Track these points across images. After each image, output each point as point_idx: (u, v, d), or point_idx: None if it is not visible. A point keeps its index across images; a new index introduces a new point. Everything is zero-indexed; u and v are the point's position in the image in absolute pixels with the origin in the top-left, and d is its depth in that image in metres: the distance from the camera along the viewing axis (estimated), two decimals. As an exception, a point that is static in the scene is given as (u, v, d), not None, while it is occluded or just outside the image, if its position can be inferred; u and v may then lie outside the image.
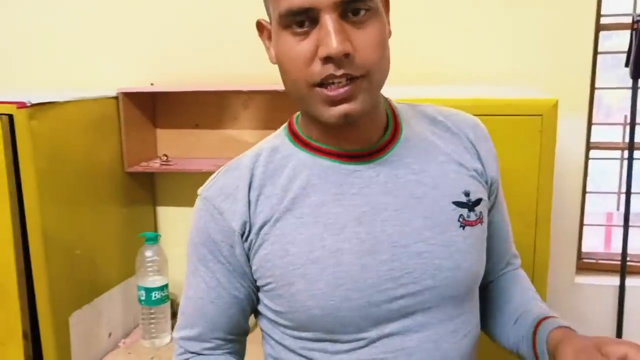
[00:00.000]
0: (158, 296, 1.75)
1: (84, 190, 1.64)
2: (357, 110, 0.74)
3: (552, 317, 0.86)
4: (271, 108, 1.92)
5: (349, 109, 0.74)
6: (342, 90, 0.72)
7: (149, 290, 1.74)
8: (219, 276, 0.85)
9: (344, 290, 0.78)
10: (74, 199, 1.60)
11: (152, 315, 1.76)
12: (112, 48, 2.00)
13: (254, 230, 0.82)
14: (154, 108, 1.98)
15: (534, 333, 0.85)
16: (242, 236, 0.82)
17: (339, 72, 0.71)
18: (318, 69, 0.72)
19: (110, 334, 1.76)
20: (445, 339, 0.82)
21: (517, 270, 1.02)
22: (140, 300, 1.76)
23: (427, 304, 0.81)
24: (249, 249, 0.83)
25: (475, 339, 0.89)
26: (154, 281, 1.75)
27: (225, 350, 0.91)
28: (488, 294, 1.00)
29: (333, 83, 0.72)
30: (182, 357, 0.91)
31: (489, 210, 0.92)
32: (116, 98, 1.79)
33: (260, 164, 0.84)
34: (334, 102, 0.74)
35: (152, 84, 1.97)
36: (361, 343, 0.80)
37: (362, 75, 0.73)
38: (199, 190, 0.88)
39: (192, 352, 0.90)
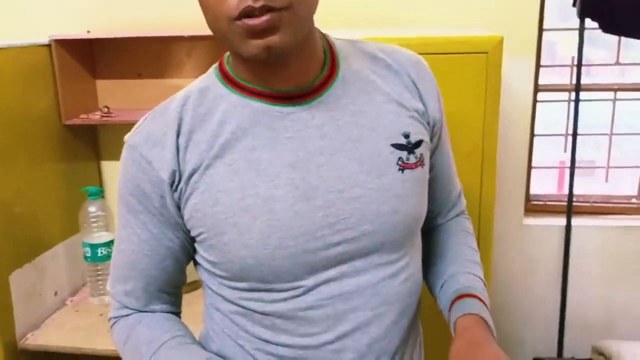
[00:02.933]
0: (104, 252, 1.70)
1: (19, 144, 1.56)
2: (279, 42, 0.69)
3: (468, 295, 0.84)
4: (217, 55, 1.79)
5: (270, 42, 0.69)
6: (262, 18, 0.68)
7: (94, 247, 1.69)
8: (150, 227, 0.81)
9: (277, 239, 0.75)
10: (8, 153, 1.52)
11: (99, 272, 1.71)
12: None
13: (183, 179, 0.77)
14: (91, 57, 1.88)
15: (450, 309, 0.85)
16: (171, 186, 0.78)
17: (258, 4, 0.67)
18: (235, 1, 0.67)
19: (56, 293, 1.71)
20: (384, 283, 0.80)
21: (459, 217, 0.99)
22: (85, 257, 1.71)
23: (365, 249, 0.79)
24: (179, 199, 0.79)
25: (418, 283, 0.88)
26: (100, 237, 1.70)
27: (161, 304, 0.88)
28: (428, 242, 0.97)
29: (255, 15, 0.68)
30: (119, 313, 0.88)
31: (432, 152, 0.89)
32: (49, 46, 1.69)
33: (189, 108, 0.79)
34: (255, 33, 0.69)
35: (88, 31, 1.86)
36: (298, 292, 0.78)
37: (284, 7, 0.68)
38: (125, 137, 0.82)
39: (130, 309, 0.87)
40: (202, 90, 0.81)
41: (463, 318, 0.81)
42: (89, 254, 1.70)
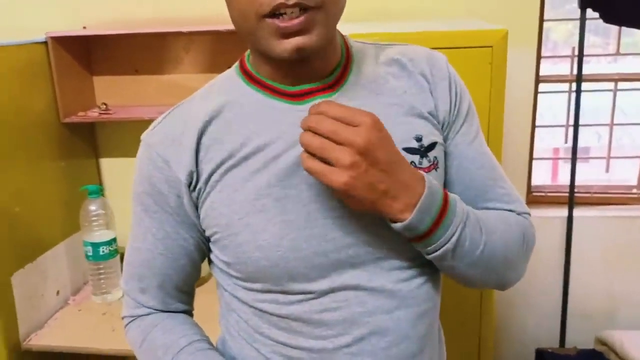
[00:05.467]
0: (106, 251, 1.68)
1: (17, 144, 1.54)
2: (311, 44, 0.68)
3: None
4: (214, 50, 1.83)
5: (302, 42, 0.68)
6: (296, 21, 0.66)
7: (95, 246, 1.68)
8: (166, 227, 0.81)
9: (290, 241, 0.75)
10: (6, 153, 1.50)
11: (101, 271, 1.70)
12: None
13: (202, 179, 0.77)
14: (88, 54, 1.86)
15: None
16: (189, 186, 0.77)
17: (291, 1, 0.65)
18: None
19: (58, 292, 1.70)
20: (400, 286, 0.79)
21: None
22: (87, 256, 1.69)
23: (378, 253, 0.77)
24: (198, 198, 0.78)
25: (437, 286, 0.85)
26: (101, 235, 1.69)
27: (176, 302, 0.87)
28: None
29: (285, 13, 0.66)
30: (134, 312, 0.87)
31: (448, 147, 0.84)
32: (45, 43, 1.66)
33: (210, 106, 0.78)
34: (286, 34, 0.67)
35: (84, 27, 1.83)
36: (312, 295, 0.77)
37: (317, 6, 0.67)
38: (143, 135, 0.81)
39: (145, 307, 0.86)
40: (223, 89, 0.80)
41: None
42: (90, 253, 1.68)
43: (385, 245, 0.77)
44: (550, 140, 2.46)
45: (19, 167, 1.55)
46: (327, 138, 0.65)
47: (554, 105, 2.29)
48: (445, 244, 0.73)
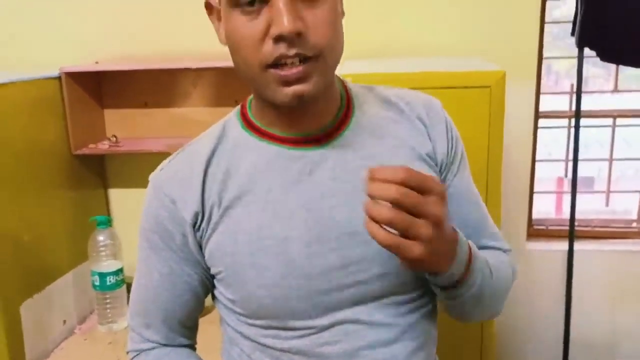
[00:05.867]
0: (113, 281, 1.71)
1: (29, 175, 1.58)
2: (310, 91, 0.73)
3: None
4: (221, 85, 1.88)
5: (302, 90, 0.72)
6: (295, 70, 0.71)
7: (103, 275, 1.70)
8: (171, 263, 0.84)
9: (292, 279, 0.78)
10: (19, 184, 1.54)
11: (108, 300, 1.72)
12: (53, 24, 1.91)
13: (204, 220, 0.80)
14: (99, 87, 1.92)
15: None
16: (194, 226, 0.81)
17: (292, 52, 0.70)
18: (270, 49, 0.70)
19: (65, 321, 1.72)
20: (399, 320, 0.82)
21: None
22: (94, 286, 1.72)
23: (378, 291, 0.80)
24: (201, 238, 0.81)
25: (434, 319, 0.89)
26: (108, 265, 1.71)
27: (180, 337, 0.90)
28: None
29: (286, 64, 0.71)
30: (139, 346, 0.89)
31: (448, 185, 0.89)
32: (59, 78, 1.72)
33: (211, 150, 0.82)
34: (288, 82, 0.72)
35: (96, 62, 1.89)
36: (313, 330, 0.80)
37: (315, 55, 0.72)
38: (151, 176, 0.85)
39: (150, 341, 0.89)
40: (224, 134, 0.84)
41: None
42: (97, 283, 1.71)
43: (385, 283, 0.80)
44: (554, 169, 2.49)
45: (29, 196, 1.59)
46: (406, 209, 0.64)
47: (557, 137, 2.33)
48: (473, 285, 0.77)
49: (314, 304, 0.79)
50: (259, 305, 0.80)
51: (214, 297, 0.90)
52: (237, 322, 0.85)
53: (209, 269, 0.83)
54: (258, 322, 0.82)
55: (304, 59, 0.71)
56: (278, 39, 0.69)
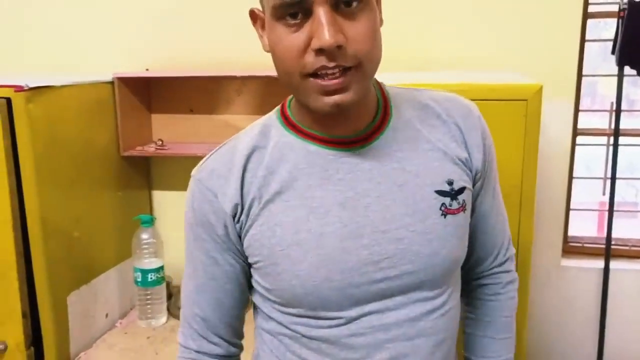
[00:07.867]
0: (154, 278, 1.78)
1: (80, 174, 1.67)
2: (349, 100, 0.76)
3: None
4: (264, 93, 1.95)
5: (341, 99, 0.76)
6: (335, 81, 0.74)
7: (145, 272, 1.78)
8: (214, 254, 0.89)
9: (325, 272, 0.82)
10: (71, 182, 1.63)
11: (148, 297, 1.80)
12: (108, 33, 2.02)
13: (244, 212, 0.85)
14: (149, 93, 2.01)
15: None
16: (233, 218, 0.86)
17: (332, 64, 0.73)
18: (311, 60, 0.74)
19: (107, 315, 1.80)
20: (422, 317, 0.86)
21: (505, 288, 1.03)
22: (136, 282, 1.80)
23: (405, 287, 0.84)
24: (241, 229, 0.86)
25: (456, 316, 0.93)
26: (150, 263, 1.79)
27: (226, 329, 0.94)
28: (474, 300, 1.05)
29: (326, 74, 0.74)
30: (187, 343, 0.94)
31: (475, 198, 0.94)
32: (112, 83, 1.82)
33: (252, 146, 0.87)
34: (328, 92, 0.75)
35: (147, 69, 1.99)
36: (342, 320, 0.85)
37: (354, 65, 0.75)
38: (193, 171, 0.90)
39: (198, 334, 0.93)
40: (264, 131, 0.89)
41: None
42: (139, 279, 1.78)
43: (413, 279, 0.85)
44: (596, 190, 2.46)
45: (80, 195, 1.68)
46: None
47: (599, 155, 2.30)
48: None
49: (344, 296, 0.83)
50: (293, 295, 0.84)
51: (250, 287, 0.94)
52: (271, 309, 0.90)
53: (247, 258, 0.89)
54: (291, 310, 0.87)
55: (343, 70, 0.75)
56: (319, 51, 0.73)
